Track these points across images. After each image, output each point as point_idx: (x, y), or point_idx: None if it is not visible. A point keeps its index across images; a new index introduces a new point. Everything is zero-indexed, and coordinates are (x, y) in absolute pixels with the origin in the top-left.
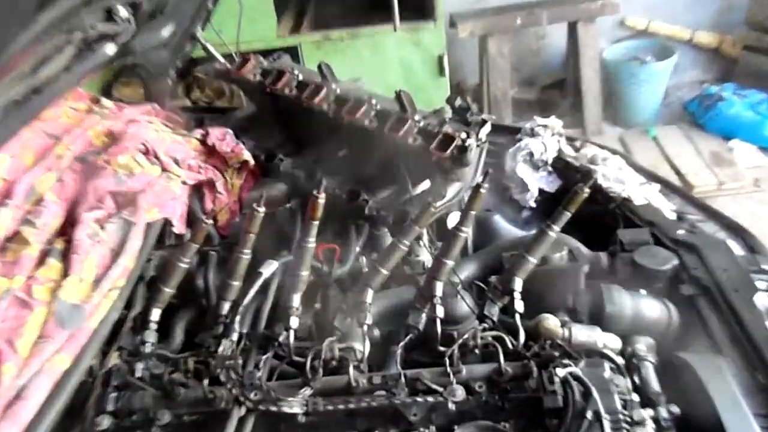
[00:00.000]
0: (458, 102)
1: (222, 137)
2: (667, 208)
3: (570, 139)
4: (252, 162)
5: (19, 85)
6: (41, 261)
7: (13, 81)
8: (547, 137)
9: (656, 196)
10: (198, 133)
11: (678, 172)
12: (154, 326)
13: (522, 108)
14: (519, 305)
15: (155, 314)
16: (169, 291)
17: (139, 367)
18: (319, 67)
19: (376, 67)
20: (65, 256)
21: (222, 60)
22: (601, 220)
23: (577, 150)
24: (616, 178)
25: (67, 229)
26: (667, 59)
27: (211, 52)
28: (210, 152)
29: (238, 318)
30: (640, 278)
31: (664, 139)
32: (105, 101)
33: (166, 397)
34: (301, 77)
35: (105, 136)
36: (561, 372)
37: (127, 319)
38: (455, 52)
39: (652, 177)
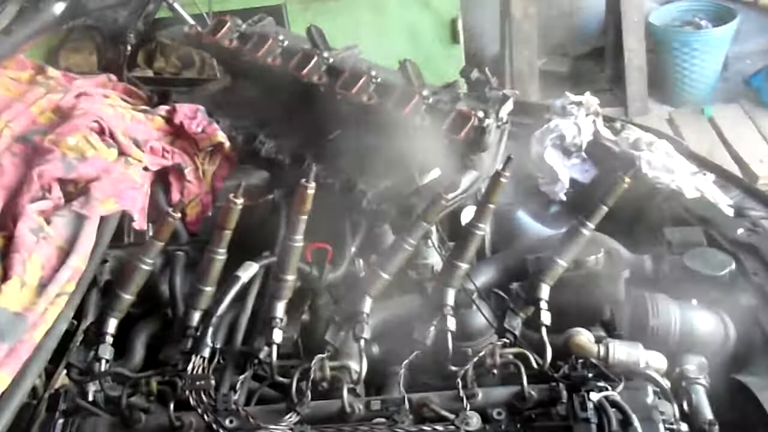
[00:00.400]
0: (475, 74)
1: (192, 115)
2: (724, 203)
3: (608, 120)
4: (227, 145)
5: None
6: None
7: None
8: (581, 117)
9: (711, 187)
10: (163, 109)
11: (738, 160)
12: (110, 339)
13: (551, 82)
14: (546, 317)
15: (111, 325)
16: (128, 298)
17: (92, 389)
18: (309, 31)
19: (377, 32)
20: (4, 255)
21: (192, 22)
22: (645, 216)
23: (616, 133)
24: (663, 166)
25: (6, 222)
26: (727, 24)
27: (178, 12)
28: (177, 133)
29: (210, 330)
30: (691, 286)
31: (722, 120)
32: (51, 70)
33: (124, 424)
34: (286, 44)
35: (51, 112)
36: (595, 396)
37: (78, 331)
38: (471, 15)
39: (706, 165)
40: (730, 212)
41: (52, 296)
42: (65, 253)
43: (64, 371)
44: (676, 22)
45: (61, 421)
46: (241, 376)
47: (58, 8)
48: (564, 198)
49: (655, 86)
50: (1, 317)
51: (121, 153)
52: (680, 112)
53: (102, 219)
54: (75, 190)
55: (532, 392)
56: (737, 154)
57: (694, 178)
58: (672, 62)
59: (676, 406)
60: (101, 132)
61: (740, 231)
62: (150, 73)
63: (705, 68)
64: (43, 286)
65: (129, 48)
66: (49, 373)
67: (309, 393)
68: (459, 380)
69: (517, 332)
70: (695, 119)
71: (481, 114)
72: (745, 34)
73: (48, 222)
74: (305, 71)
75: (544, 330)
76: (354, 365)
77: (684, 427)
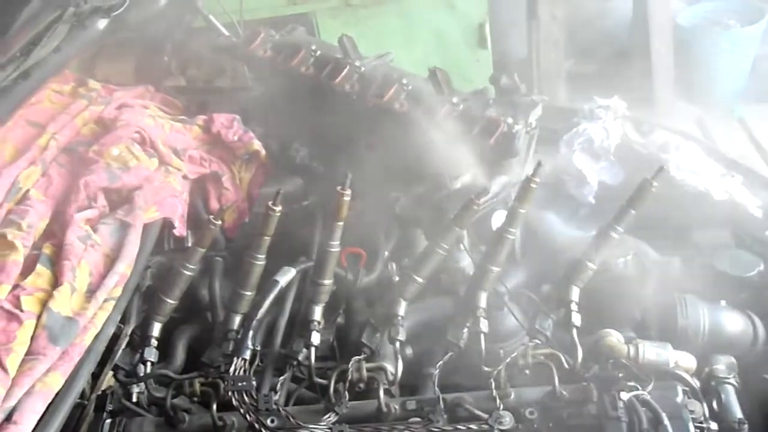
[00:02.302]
0: (504, 80)
1: (228, 124)
2: (753, 204)
3: (637, 123)
4: (263, 153)
5: (7, 70)
6: (29, 268)
7: (3, 66)
8: (609, 121)
9: (740, 189)
10: (200, 119)
11: None
12: (154, 343)
13: (578, 85)
14: (576, 318)
15: (156, 329)
16: (171, 302)
17: (136, 390)
18: (340, 40)
19: (405, 39)
20: (55, 262)
21: (226, 33)
22: (674, 218)
23: (645, 135)
24: (691, 168)
25: (54, 230)
26: (756, 24)
27: (213, 23)
28: (214, 141)
29: (250, 333)
30: (720, 287)
31: (752, 121)
32: (92, 83)
33: (168, 424)
34: (318, 53)
35: (94, 123)
36: (626, 396)
37: (123, 335)
38: (498, 19)
39: (735, 167)
40: (759, 213)
41: (101, 301)
42: (111, 259)
43: (110, 373)
44: (704, 22)
45: (108, 421)
46: (281, 378)
47: (102, 24)
48: (593, 201)
49: (684, 87)
50: (54, 321)
51: (162, 162)
52: (709, 113)
53: (145, 226)
54: (119, 198)
55: (564, 392)
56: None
57: (723, 180)
58: (700, 63)
59: (705, 406)
60: (142, 142)
61: None
62: (183, 82)
63: (734, 68)
64: (91, 292)
65: (166, 58)
66: (95, 375)
67: (346, 393)
68: (492, 380)
69: (548, 333)
70: (724, 120)
71: (510, 120)
72: None
73: (94, 230)
74: (338, 80)
75: (574, 331)
76: (390, 366)
77: (714, 426)
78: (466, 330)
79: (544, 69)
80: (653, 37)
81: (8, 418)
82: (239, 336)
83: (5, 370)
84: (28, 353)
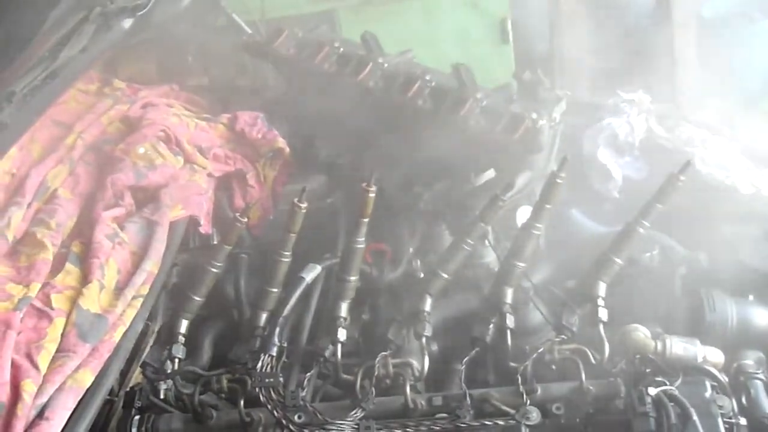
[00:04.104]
0: (527, 76)
1: (252, 122)
2: None
3: (661, 117)
4: (287, 150)
5: (36, 71)
6: (58, 266)
7: (32, 67)
8: (634, 115)
9: (767, 182)
10: (224, 117)
11: None
12: (182, 339)
13: (602, 80)
14: (603, 313)
15: (183, 326)
16: (198, 300)
17: (163, 387)
18: (363, 37)
19: (427, 35)
20: (83, 260)
21: (249, 31)
22: (701, 213)
23: (670, 130)
24: (718, 162)
25: (83, 229)
26: None
27: (236, 22)
28: (239, 139)
29: (277, 330)
30: (748, 282)
31: None
32: (117, 82)
33: (196, 420)
34: (342, 50)
35: (120, 122)
36: (653, 391)
37: (150, 332)
38: (520, 13)
39: (762, 160)
40: None
41: (129, 298)
42: (139, 257)
43: (139, 370)
44: (729, 13)
45: (137, 417)
46: (308, 374)
47: (127, 24)
48: (617, 196)
49: (709, 80)
50: (84, 319)
51: (187, 160)
52: (736, 107)
53: (171, 224)
54: (145, 197)
55: (591, 387)
56: None
57: (750, 174)
58: (725, 56)
59: (734, 401)
60: (168, 140)
61: None
62: (206, 81)
63: (760, 61)
64: (120, 289)
65: (190, 58)
66: (123, 372)
67: (373, 389)
68: (519, 376)
69: (574, 329)
70: (750, 113)
71: (534, 115)
72: None
73: (122, 228)
74: (361, 77)
75: (601, 326)
76: (416, 362)
77: (743, 421)
78: (491, 326)
79: (567, 64)
80: (677, 30)
81: (40, 414)
82: (266, 333)
83: (37, 367)
84: (58, 350)
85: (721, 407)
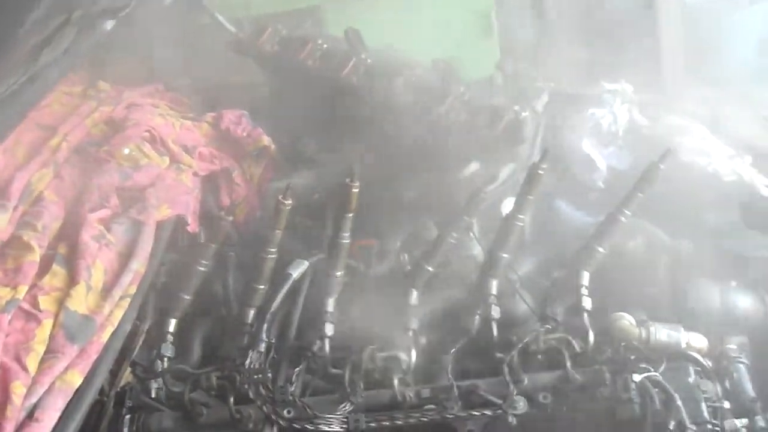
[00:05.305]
0: (509, 68)
1: (237, 120)
2: (762, 184)
3: (644, 106)
4: (272, 147)
5: (17, 74)
6: (45, 268)
7: (13, 70)
8: (617, 105)
9: (748, 169)
10: (209, 116)
11: None
12: (170, 338)
13: (585, 70)
14: (587, 302)
15: (172, 325)
16: (187, 298)
17: (154, 386)
18: (347, 33)
19: (412, 29)
20: (70, 262)
21: (233, 29)
22: (684, 201)
23: (653, 119)
24: (699, 149)
25: (69, 231)
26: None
27: (219, 20)
28: (224, 138)
29: (265, 326)
30: (730, 267)
31: (765, 102)
32: (101, 83)
33: (186, 418)
34: (325, 46)
35: (104, 123)
36: (638, 377)
37: (139, 331)
38: (504, 5)
39: (745, 147)
40: None
41: (117, 299)
42: (126, 258)
43: (128, 369)
44: (712, 1)
45: (128, 417)
46: (296, 369)
47: (109, 25)
48: (602, 185)
49: (693, 68)
50: (71, 320)
51: (173, 160)
52: (720, 94)
53: (158, 224)
54: (131, 197)
55: (577, 375)
56: None
57: (732, 161)
58: (709, 42)
59: (718, 385)
60: (153, 141)
61: None
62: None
63: (743, 48)
64: (107, 290)
65: (173, 57)
66: (113, 372)
67: (361, 383)
68: (505, 366)
69: (559, 318)
70: (735, 101)
71: (517, 107)
72: None
73: (108, 229)
74: (345, 72)
75: (585, 315)
76: (404, 355)
77: (726, 404)
78: (477, 317)
79: (550, 55)
80: (660, 17)
81: (30, 415)
82: (254, 329)
83: (26, 368)
84: (47, 352)
85: (704, 391)
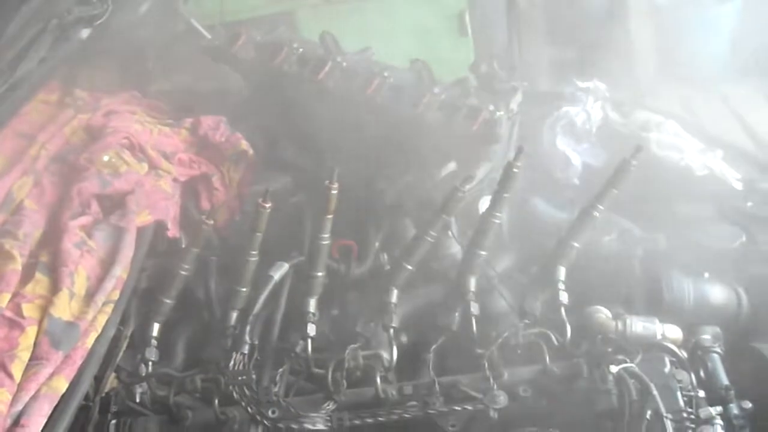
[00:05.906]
0: (484, 68)
1: (215, 125)
2: (733, 177)
3: (617, 104)
4: (251, 152)
5: None
6: (28, 276)
7: None
8: (590, 103)
9: (720, 163)
10: (187, 122)
11: (753, 135)
12: (154, 343)
13: (559, 69)
14: (564, 297)
15: (155, 329)
16: (169, 303)
17: (139, 391)
18: (322, 37)
19: (386, 32)
20: (53, 269)
21: (208, 36)
22: (657, 195)
23: (625, 116)
24: (672, 145)
25: (50, 238)
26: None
27: (195, 27)
28: (202, 143)
29: (248, 328)
30: (703, 260)
31: (734, 97)
32: (78, 91)
33: (172, 421)
34: (301, 51)
35: (83, 131)
36: (615, 369)
37: (123, 337)
38: (478, 6)
39: (715, 142)
40: (740, 186)
41: (100, 305)
42: (108, 264)
43: (113, 374)
44: (683, 1)
45: (113, 422)
46: (280, 370)
47: (85, 33)
48: (577, 182)
49: (665, 66)
50: (55, 327)
51: (152, 166)
52: (692, 92)
53: (139, 230)
54: (111, 204)
55: (555, 369)
56: (751, 130)
57: (703, 155)
58: (680, 42)
59: (692, 375)
60: (132, 147)
61: (750, 204)
62: (168, 87)
63: (714, 46)
64: (90, 296)
65: (150, 64)
66: (98, 377)
67: (344, 382)
68: (485, 361)
69: (537, 313)
70: (707, 97)
71: (491, 107)
72: (750, 10)
73: (89, 236)
74: (321, 76)
75: (562, 309)
76: (385, 354)
77: (701, 393)
78: (457, 314)
79: (524, 56)
80: (633, 18)
81: (16, 422)
82: (237, 331)
83: (11, 376)
84: (32, 358)
85: (680, 381)
